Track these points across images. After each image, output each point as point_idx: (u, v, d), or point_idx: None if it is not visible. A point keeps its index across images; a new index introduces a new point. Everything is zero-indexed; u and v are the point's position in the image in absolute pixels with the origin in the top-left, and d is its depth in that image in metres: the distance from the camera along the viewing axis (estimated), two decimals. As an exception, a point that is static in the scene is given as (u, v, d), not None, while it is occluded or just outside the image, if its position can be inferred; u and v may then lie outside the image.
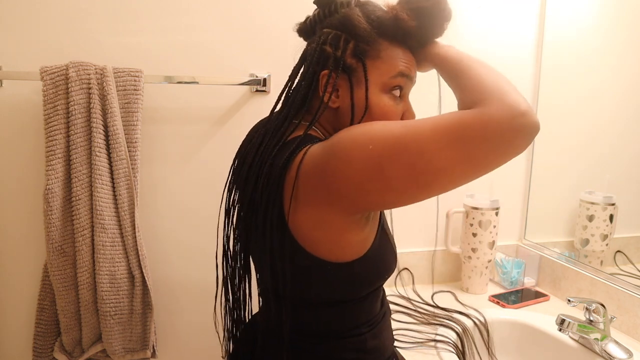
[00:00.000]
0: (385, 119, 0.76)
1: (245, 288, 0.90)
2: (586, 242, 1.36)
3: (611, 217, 1.29)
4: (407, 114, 0.81)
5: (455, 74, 0.76)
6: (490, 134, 0.64)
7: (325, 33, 0.77)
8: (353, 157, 0.66)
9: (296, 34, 0.86)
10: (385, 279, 0.82)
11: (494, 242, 1.41)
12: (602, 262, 1.31)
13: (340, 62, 0.76)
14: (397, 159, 0.65)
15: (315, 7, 0.83)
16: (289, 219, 0.72)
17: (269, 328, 0.84)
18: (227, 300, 0.91)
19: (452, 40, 1.52)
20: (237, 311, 0.91)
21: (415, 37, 0.78)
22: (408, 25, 0.76)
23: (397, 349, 1.10)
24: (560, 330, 1.09)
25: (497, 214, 1.40)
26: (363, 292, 0.79)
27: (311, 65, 0.77)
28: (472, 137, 0.64)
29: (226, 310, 0.92)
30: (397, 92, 0.78)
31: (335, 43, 0.76)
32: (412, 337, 1.15)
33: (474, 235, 1.41)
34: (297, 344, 0.79)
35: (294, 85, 0.81)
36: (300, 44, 0.84)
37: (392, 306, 1.33)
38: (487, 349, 1.19)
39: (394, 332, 1.16)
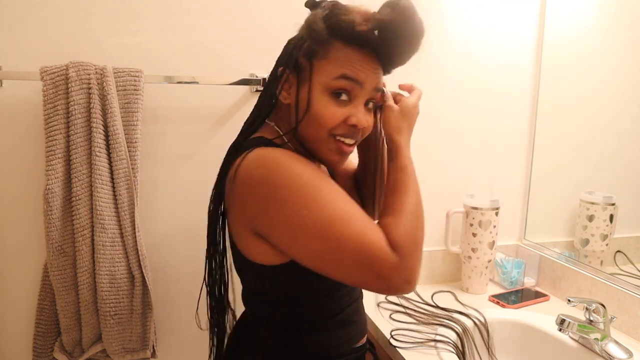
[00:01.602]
0: (319, 121, 0.78)
1: (224, 282, 0.94)
2: (586, 242, 1.36)
3: (611, 217, 1.29)
4: (351, 118, 0.79)
5: (394, 181, 0.80)
6: (380, 280, 0.71)
7: (298, 33, 0.83)
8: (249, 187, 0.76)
9: (295, 30, 0.87)
10: (323, 287, 0.84)
11: (494, 242, 1.41)
12: (602, 262, 1.31)
13: (292, 61, 0.80)
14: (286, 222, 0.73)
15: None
16: (228, 216, 0.83)
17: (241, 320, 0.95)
18: (209, 294, 0.95)
19: (452, 41, 1.52)
20: (218, 306, 0.95)
21: (372, 45, 0.77)
22: (361, 30, 0.75)
23: (397, 349, 1.10)
24: (560, 330, 1.09)
25: (497, 214, 1.40)
26: (299, 292, 0.83)
27: (276, 64, 0.85)
28: (365, 266, 0.71)
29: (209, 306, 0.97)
30: (344, 96, 0.78)
31: (295, 42, 0.81)
32: (412, 337, 1.15)
33: (474, 235, 1.41)
34: (258, 335, 0.88)
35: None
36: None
37: (392, 306, 1.33)
38: (487, 349, 1.19)
39: (394, 332, 1.16)
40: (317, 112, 0.78)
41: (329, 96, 0.78)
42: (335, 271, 0.72)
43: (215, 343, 0.96)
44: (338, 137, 0.80)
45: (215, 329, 0.95)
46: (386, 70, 0.82)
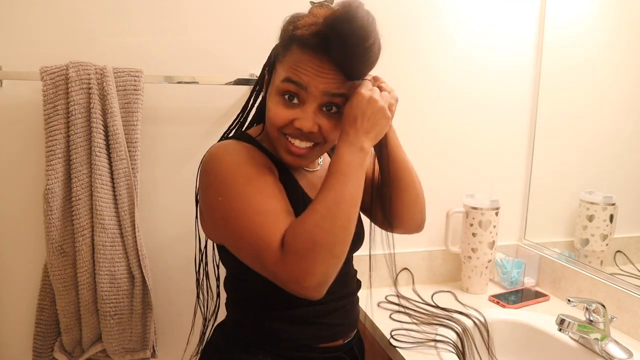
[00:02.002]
0: (269, 120, 0.82)
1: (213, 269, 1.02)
2: (586, 242, 1.36)
3: (611, 217, 1.29)
4: (295, 121, 0.79)
5: (333, 172, 0.76)
6: (269, 274, 0.73)
7: None
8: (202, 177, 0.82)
9: None
10: None
11: (494, 242, 1.41)
12: (602, 262, 1.31)
13: (269, 63, 0.87)
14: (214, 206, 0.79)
15: None
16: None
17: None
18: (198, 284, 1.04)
19: (452, 42, 1.52)
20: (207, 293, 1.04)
21: (319, 48, 0.75)
22: (304, 33, 0.76)
23: (397, 349, 1.10)
24: (560, 330, 1.09)
25: (497, 214, 1.40)
26: (241, 270, 0.85)
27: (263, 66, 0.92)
28: (255, 257, 0.74)
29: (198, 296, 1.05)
30: (295, 100, 0.79)
31: (276, 45, 0.86)
32: (412, 337, 1.15)
33: (474, 235, 1.41)
34: (232, 313, 0.94)
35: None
36: None
37: (392, 306, 1.33)
38: (487, 349, 1.19)
39: (394, 332, 1.16)
40: (268, 111, 0.82)
41: (280, 97, 0.80)
42: (243, 258, 0.77)
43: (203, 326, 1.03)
44: (288, 137, 0.82)
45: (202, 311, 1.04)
46: (349, 75, 0.78)
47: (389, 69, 1.40)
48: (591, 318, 1.09)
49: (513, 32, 1.50)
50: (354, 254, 0.98)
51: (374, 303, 1.35)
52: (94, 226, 1.12)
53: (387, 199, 0.94)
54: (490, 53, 1.49)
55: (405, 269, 1.49)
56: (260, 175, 0.79)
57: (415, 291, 1.45)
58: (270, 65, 0.87)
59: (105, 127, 1.12)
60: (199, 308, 1.05)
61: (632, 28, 1.25)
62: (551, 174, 1.51)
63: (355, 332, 1.00)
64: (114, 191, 1.14)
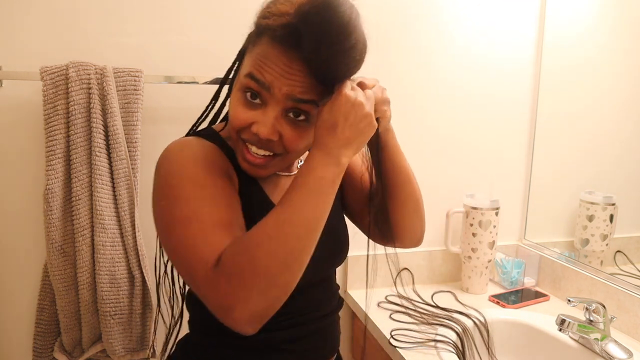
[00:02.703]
0: (230, 119, 0.72)
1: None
2: (586, 242, 1.36)
3: (611, 217, 1.29)
4: (254, 126, 0.68)
5: (298, 185, 0.64)
6: (199, 293, 0.62)
7: None
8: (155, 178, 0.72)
9: None
10: None
11: (494, 242, 1.41)
12: (602, 262, 1.31)
13: (240, 53, 0.77)
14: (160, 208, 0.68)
15: None
16: None
17: None
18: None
19: (452, 40, 1.52)
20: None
21: (288, 42, 0.64)
22: (273, 23, 0.66)
23: (397, 349, 1.10)
24: (560, 330, 1.09)
25: (497, 214, 1.40)
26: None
27: None
28: (187, 271, 0.63)
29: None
30: (258, 99, 0.69)
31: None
32: (412, 337, 1.15)
33: (474, 235, 1.41)
34: (191, 333, 0.86)
35: None
36: None
37: (392, 306, 1.33)
38: (487, 349, 1.19)
39: (394, 332, 1.16)
40: (229, 109, 0.73)
41: (242, 94, 0.70)
42: (179, 273, 0.66)
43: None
44: (246, 142, 0.71)
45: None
46: (321, 79, 0.66)
47: (388, 66, 1.41)
48: (591, 318, 1.09)
49: (513, 30, 1.50)
50: (345, 258, 0.90)
51: (374, 303, 1.35)
52: (94, 226, 1.12)
53: (384, 210, 0.83)
54: (490, 51, 1.49)
55: (405, 269, 1.49)
56: (212, 181, 0.68)
57: (415, 291, 1.45)
58: (240, 54, 0.76)
59: (105, 127, 1.12)
60: (163, 317, 0.97)
61: (632, 28, 1.25)
62: (551, 173, 1.51)
63: (335, 357, 0.89)
64: (114, 191, 1.14)
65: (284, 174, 0.83)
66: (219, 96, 0.83)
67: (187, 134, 0.82)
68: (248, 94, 0.69)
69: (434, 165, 1.49)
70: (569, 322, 1.08)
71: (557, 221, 1.48)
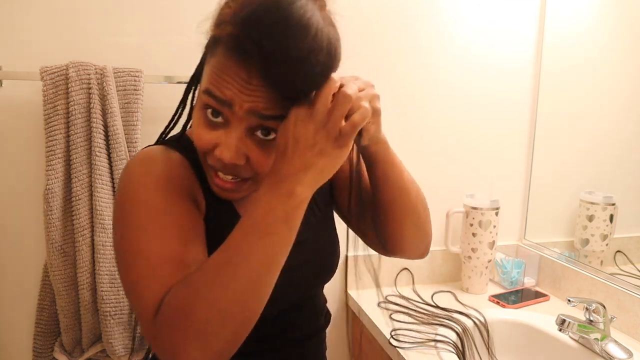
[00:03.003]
0: (194, 139, 0.62)
1: None
2: (586, 242, 1.36)
3: (611, 217, 1.29)
4: (217, 149, 0.59)
5: (243, 223, 0.55)
6: (148, 340, 0.56)
7: None
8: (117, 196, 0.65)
9: None
10: None
11: (494, 242, 1.41)
12: (602, 262, 1.31)
13: (199, 65, 0.67)
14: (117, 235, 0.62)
15: None
16: None
17: None
18: None
19: (452, 40, 1.52)
20: None
21: (242, 53, 0.54)
22: (223, 33, 0.57)
23: (397, 349, 1.10)
24: (560, 330, 1.09)
25: (497, 214, 1.40)
26: None
27: None
28: (137, 314, 0.57)
29: None
30: (220, 117, 0.59)
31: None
32: (412, 337, 1.15)
33: (474, 235, 1.41)
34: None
35: None
36: None
37: (392, 306, 1.33)
38: (487, 349, 1.19)
39: (394, 332, 1.16)
40: (192, 128, 0.62)
41: (203, 112, 0.60)
42: (128, 302, 0.61)
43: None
44: (211, 167, 0.62)
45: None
46: (284, 94, 0.55)
47: (388, 66, 1.41)
48: (591, 318, 1.09)
49: (513, 30, 1.50)
50: (333, 273, 0.82)
51: (374, 303, 1.35)
52: (94, 226, 1.12)
53: (382, 225, 0.75)
54: (490, 51, 1.49)
55: (405, 269, 1.49)
56: (169, 206, 0.61)
57: (415, 291, 1.45)
58: (201, 64, 0.66)
59: (105, 127, 1.12)
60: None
61: (632, 28, 1.25)
62: (551, 173, 1.51)
63: None
64: (114, 191, 1.14)
65: None
66: (186, 101, 0.71)
67: (157, 141, 0.73)
68: (209, 112, 0.59)
69: (434, 165, 1.49)
70: (569, 322, 1.08)
71: (557, 221, 1.48)
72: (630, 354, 1.05)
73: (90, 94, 1.10)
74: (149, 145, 0.71)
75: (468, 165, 1.53)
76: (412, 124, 1.45)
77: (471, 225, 1.41)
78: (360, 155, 0.69)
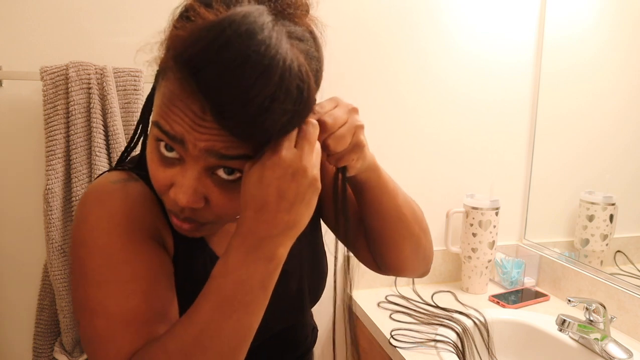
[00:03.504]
0: (151, 175, 0.53)
1: None
2: (586, 242, 1.36)
3: (611, 217, 1.29)
4: (172, 190, 0.50)
5: (211, 291, 0.49)
6: None
7: None
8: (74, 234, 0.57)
9: None
10: None
11: (494, 242, 1.41)
12: (602, 262, 1.31)
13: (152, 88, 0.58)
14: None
15: None
16: None
17: None
18: None
19: (452, 40, 1.51)
20: None
21: (191, 84, 0.44)
22: (171, 59, 0.46)
23: (397, 349, 1.10)
24: (560, 330, 1.09)
25: (497, 214, 1.40)
26: None
27: None
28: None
29: None
30: (174, 151, 0.50)
31: None
32: (412, 337, 1.15)
33: (474, 235, 1.41)
34: None
35: None
36: None
37: (392, 306, 1.33)
38: (487, 349, 1.19)
39: (394, 332, 1.16)
40: (147, 163, 0.54)
41: (156, 145, 0.51)
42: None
43: None
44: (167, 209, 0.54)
45: None
46: (244, 139, 0.46)
47: (388, 66, 1.40)
48: (591, 318, 1.09)
49: (513, 31, 1.50)
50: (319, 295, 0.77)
51: (374, 303, 1.35)
52: (94, 226, 1.12)
53: (377, 249, 0.70)
54: (490, 51, 1.49)
55: (405, 269, 1.49)
56: (131, 254, 0.53)
57: (415, 291, 1.45)
58: (154, 87, 0.56)
59: (105, 127, 1.12)
60: None
61: (632, 28, 1.25)
62: (551, 173, 1.51)
63: None
64: (114, 191, 1.14)
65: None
66: (148, 117, 0.60)
67: (118, 162, 0.65)
68: (162, 145, 0.50)
69: (434, 165, 1.49)
70: (569, 322, 1.08)
71: (557, 221, 1.48)
72: (631, 354, 1.05)
73: (90, 94, 1.10)
74: (109, 170, 0.62)
75: (468, 166, 1.53)
76: (412, 125, 1.45)
77: (471, 225, 1.41)
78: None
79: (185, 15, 0.49)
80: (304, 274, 0.71)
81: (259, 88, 0.42)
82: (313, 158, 0.48)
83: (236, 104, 0.42)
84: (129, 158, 0.66)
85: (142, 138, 0.63)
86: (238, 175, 0.50)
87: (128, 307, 0.51)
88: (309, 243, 0.73)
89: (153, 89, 0.57)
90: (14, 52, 1.13)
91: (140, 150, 0.64)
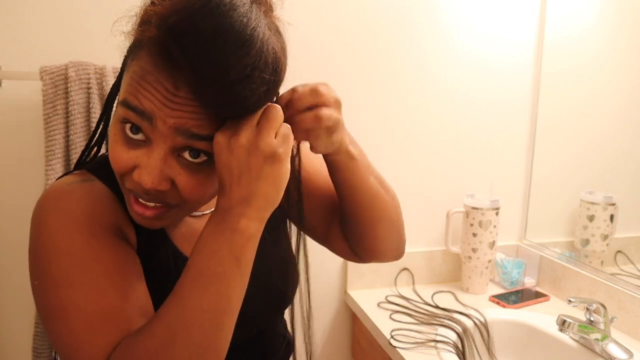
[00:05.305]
0: (110, 158, 0.53)
1: None
2: (586, 242, 1.36)
3: (611, 217, 1.29)
4: (135, 172, 0.50)
5: (189, 270, 0.51)
6: None
7: None
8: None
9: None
10: None
11: (494, 242, 1.41)
12: (602, 262, 1.31)
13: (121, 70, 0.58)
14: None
15: None
16: None
17: None
18: None
19: (452, 40, 1.51)
20: None
21: (165, 60, 0.46)
22: (145, 37, 0.48)
23: (397, 349, 1.10)
24: (560, 330, 1.09)
25: (497, 214, 1.40)
26: None
27: None
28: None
29: None
30: (140, 133, 0.51)
31: None
32: (412, 337, 1.15)
33: (474, 235, 1.40)
34: None
35: None
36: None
37: (392, 306, 1.33)
38: (487, 349, 1.19)
39: (394, 332, 1.16)
40: (109, 145, 0.54)
41: (120, 127, 0.51)
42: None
43: None
44: (130, 192, 0.54)
45: None
46: (217, 114, 0.49)
47: (388, 66, 1.40)
48: (592, 318, 1.09)
49: (513, 31, 1.50)
50: (290, 301, 0.74)
51: (374, 303, 1.35)
52: (93, 226, 1.12)
53: (352, 232, 0.71)
54: (490, 51, 1.49)
55: (405, 269, 1.49)
56: (96, 251, 0.53)
57: (415, 291, 1.45)
58: (122, 67, 0.56)
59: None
60: None
61: (632, 28, 1.25)
62: (551, 173, 1.51)
63: None
64: (113, 191, 1.14)
65: (196, 213, 0.65)
66: (109, 115, 0.62)
67: (76, 165, 0.64)
68: (127, 127, 0.50)
69: (435, 165, 1.49)
70: (570, 323, 1.08)
71: (557, 221, 1.48)
72: (631, 355, 1.05)
73: (89, 94, 1.10)
74: (63, 175, 0.61)
75: (468, 166, 1.52)
76: (412, 125, 1.45)
77: (471, 225, 1.41)
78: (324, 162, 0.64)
79: None
80: (265, 276, 0.68)
81: (241, 56, 0.45)
82: (271, 135, 0.49)
83: (218, 70, 0.44)
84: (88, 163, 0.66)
85: (99, 134, 0.64)
86: (204, 158, 0.51)
87: (105, 304, 0.51)
88: (272, 241, 0.72)
89: (119, 78, 0.57)
90: (14, 52, 1.13)
91: (97, 150, 0.65)
